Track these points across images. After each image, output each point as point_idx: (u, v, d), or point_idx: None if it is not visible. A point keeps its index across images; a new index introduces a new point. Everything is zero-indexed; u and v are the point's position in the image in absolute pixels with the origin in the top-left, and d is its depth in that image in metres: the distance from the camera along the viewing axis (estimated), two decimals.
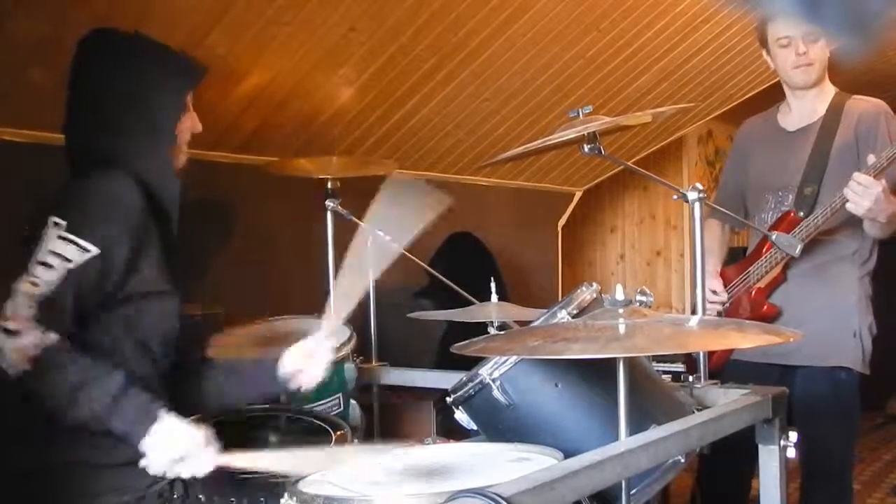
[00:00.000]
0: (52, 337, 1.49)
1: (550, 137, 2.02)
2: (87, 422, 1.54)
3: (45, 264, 1.52)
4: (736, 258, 2.96)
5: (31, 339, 1.47)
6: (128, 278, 1.64)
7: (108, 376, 1.55)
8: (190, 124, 1.84)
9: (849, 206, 2.45)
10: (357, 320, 2.79)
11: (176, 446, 1.57)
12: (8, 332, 1.46)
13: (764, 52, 2.77)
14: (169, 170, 1.76)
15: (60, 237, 1.55)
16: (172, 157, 1.78)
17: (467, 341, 1.56)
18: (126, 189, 1.66)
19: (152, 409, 1.58)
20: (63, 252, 1.54)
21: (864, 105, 2.71)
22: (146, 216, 1.68)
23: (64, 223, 1.56)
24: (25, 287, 1.50)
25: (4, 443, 1.64)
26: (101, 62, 1.80)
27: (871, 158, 2.45)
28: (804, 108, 2.77)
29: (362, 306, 2.84)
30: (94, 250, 1.56)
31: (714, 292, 2.76)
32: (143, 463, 1.58)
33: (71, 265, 1.54)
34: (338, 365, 2.38)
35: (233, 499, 1.72)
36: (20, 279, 1.50)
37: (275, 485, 1.72)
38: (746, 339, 1.77)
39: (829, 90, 2.76)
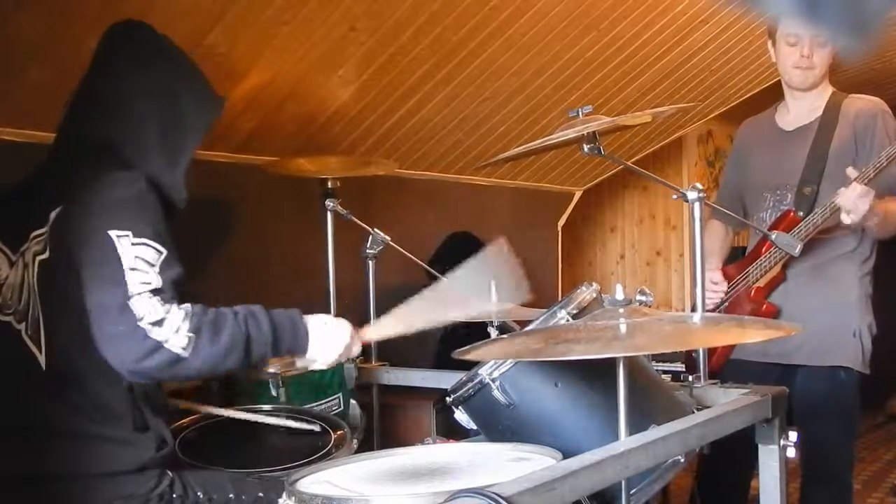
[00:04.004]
0: (192, 305, 1.54)
1: (550, 137, 2.03)
2: (257, 364, 1.64)
3: (136, 269, 1.53)
4: (736, 258, 2.96)
5: (178, 315, 1.51)
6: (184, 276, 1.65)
7: (256, 317, 1.62)
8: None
9: (842, 216, 2.46)
10: (357, 320, 2.79)
11: (335, 342, 1.72)
12: (155, 324, 1.49)
13: (769, 44, 2.78)
14: (181, 182, 1.76)
15: (134, 244, 1.55)
16: (184, 172, 1.78)
17: (468, 346, 1.57)
18: (150, 193, 1.66)
19: (297, 319, 1.69)
20: (144, 256, 1.55)
21: (861, 104, 2.71)
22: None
23: (128, 233, 1.55)
24: (136, 288, 1.51)
25: (6, 450, 1.64)
26: (139, 60, 1.78)
27: (852, 172, 2.46)
28: (802, 108, 2.77)
29: (362, 307, 2.85)
30: (164, 251, 1.58)
31: (714, 283, 2.77)
32: (301, 364, 1.74)
33: (156, 268, 1.55)
34: (338, 365, 2.38)
35: (231, 496, 1.72)
36: (123, 289, 1.50)
37: (274, 483, 1.72)
38: (748, 335, 1.78)
39: (827, 90, 2.76)
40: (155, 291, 1.52)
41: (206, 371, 1.57)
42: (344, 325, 1.78)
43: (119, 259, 1.53)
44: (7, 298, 1.69)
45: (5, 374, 1.68)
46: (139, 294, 1.51)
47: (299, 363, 1.79)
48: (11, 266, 1.71)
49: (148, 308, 1.50)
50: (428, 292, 1.85)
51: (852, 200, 2.41)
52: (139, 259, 1.54)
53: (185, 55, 1.84)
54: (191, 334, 1.51)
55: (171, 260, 1.58)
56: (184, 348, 1.50)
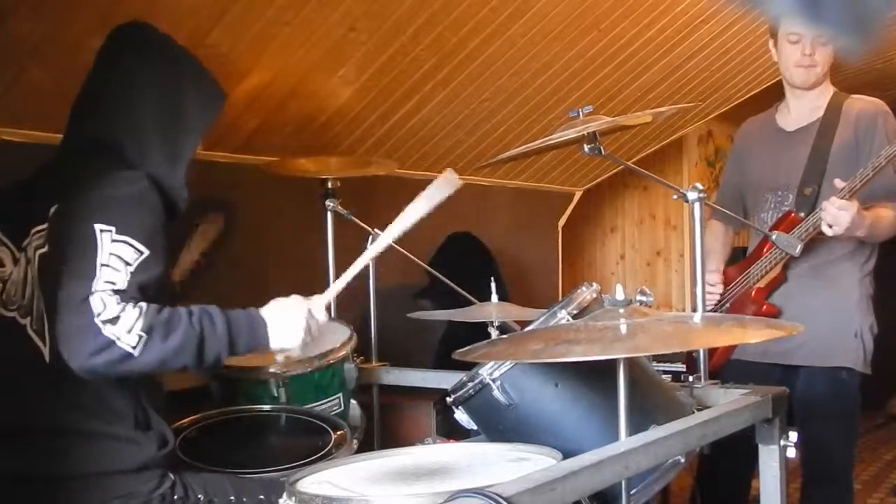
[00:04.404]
0: (147, 305, 1.54)
1: (550, 137, 2.03)
2: (214, 365, 1.65)
3: (108, 266, 1.54)
4: (736, 258, 2.96)
5: (131, 315, 1.52)
6: (165, 277, 1.66)
7: (212, 316, 1.62)
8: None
9: (824, 227, 2.47)
10: (357, 320, 2.80)
11: (293, 317, 1.72)
12: (108, 321, 1.50)
13: (770, 43, 2.78)
14: (182, 182, 1.77)
15: (115, 241, 1.56)
16: (185, 170, 1.79)
17: (469, 347, 1.57)
18: (152, 192, 1.67)
19: (253, 315, 1.69)
20: (121, 254, 1.56)
21: (862, 105, 2.71)
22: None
23: (112, 228, 1.57)
24: (100, 286, 1.52)
25: (9, 448, 1.64)
26: (143, 60, 1.80)
27: (839, 183, 2.47)
28: (803, 108, 2.77)
29: (363, 306, 2.86)
30: (146, 251, 1.58)
31: (710, 284, 2.76)
32: (280, 357, 1.74)
33: (132, 267, 1.56)
34: (338, 365, 2.38)
35: (232, 497, 1.72)
36: (90, 283, 1.52)
37: (274, 484, 1.72)
38: (749, 334, 1.77)
39: (829, 90, 2.76)
40: (117, 291, 1.53)
41: (155, 369, 1.58)
42: (296, 301, 1.76)
43: (96, 253, 1.55)
44: (12, 294, 1.71)
45: (12, 370, 1.69)
46: (101, 291, 1.52)
47: (279, 357, 1.79)
48: (16, 262, 1.72)
49: (105, 304, 1.51)
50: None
51: (832, 214, 2.43)
52: (114, 256, 1.55)
53: (190, 54, 1.85)
54: (142, 333, 1.52)
55: (151, 261, 1.59)
56: (133, 347, 1.51)
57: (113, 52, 1.82)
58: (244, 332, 1.67)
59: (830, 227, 2.45)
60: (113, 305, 1.51)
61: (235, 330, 1.65)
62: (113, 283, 1.53)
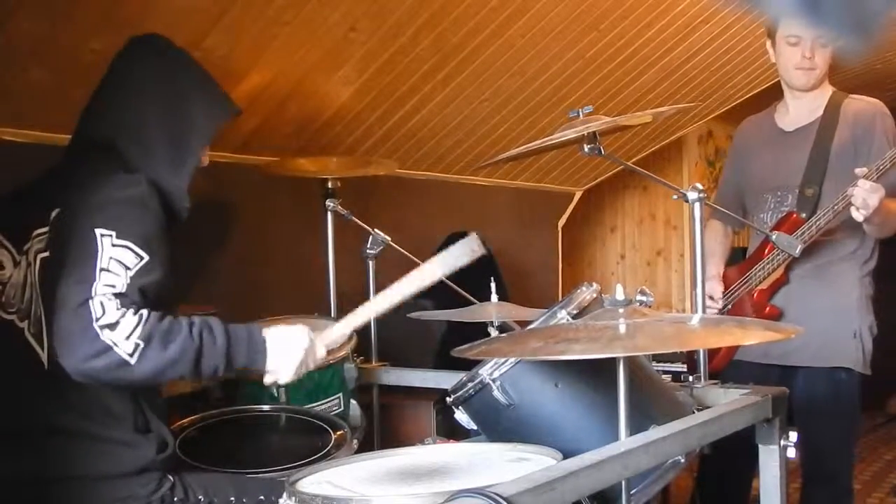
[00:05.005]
0: (148, 312, 1.54)
1: (550, 137, 2.02)
2: (211, 376, 1.66)
3: (107, 270, 1.54)
4: (736, 259, 2.96)
5: (131, 321, 1.51)
6: (166, 282, 1.66)
7: (212, 329, 1.62)
8: (203, 156, 1.86)
9: (853, 211, 2.45)
10: None
11: (293, 349, 1.71)
12: (107, 326, 1.49)
13: (768, 44, 2.77)
14: (184, 190, 1.77)
15: (115, 245, 1.56)
16: (189, 177, 1.79)
17: (468, 345, 1.56)
18: (152, 196, 1.67)
19: (255, 333, 1.68)
20: (121, 259, 1.56)
21: (860, 105, 2.71)
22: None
23: (112, 233, 1.56)
24: (100, 289, 1.52)
25: (7, 451, 1.64)
26: (152, 68, 1.81)
27: (860, 171, 2.46)
28: (802, 109, 2.76)
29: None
30: (146, 256, 1.58)
31: (711, 297, 2.75)
32: (269, 380, 1.72)
33: (131, 272, 1.56)
34: (338, 365, 2.38)
35: (232, 498, 1.72)
36: (89, 287, 1.51)
37: (275, 484, 1.72)
38: (747, 336, 1.77)
39: (827, 90, 2.75)
40: (117, 294, 1.53)
41: (150, 378, 1.57)
42: (302, 332, 1.75)
43: (96, 257, 1.54)
44: (11, 297, 1.71)
45: (8, 373, 1.69)
46: (102, 295, 1.52)
47: (267, 380, 1.76)
48: (16, 265, 1.72)
49: (105, 309, 1.51)
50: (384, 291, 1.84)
51: (862, 197, 2.40)
52: (114, 261, 1.55)
53: (200, 66, 1.86)
54: (139, 341, 1.51)
55: (151, 266, 1.58)
56: (130, 354, 1.51)
57: (125, 61, 1.83)
58: (242, 351, 1.66)
59: (859, 209, 2.42)
60: (112, 310, 1.51)
61: (234, 347, 1.64)
62: (112, 287, 1.53)
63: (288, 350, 1.72)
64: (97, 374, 1.51)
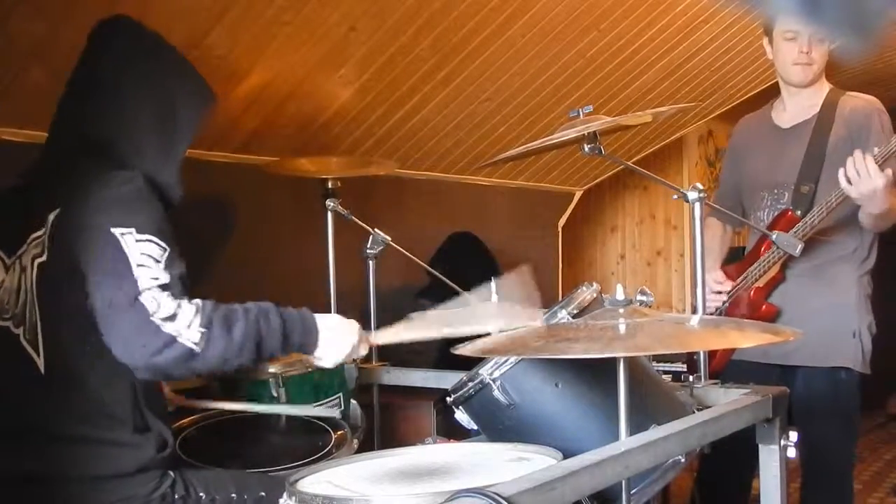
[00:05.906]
0: (201, 300, 1.53)
1: (551, 137, 2.02)
2: (265, 360, 1.69)
3: (143, 265, 1.53)
4: (735, 258, 2.96)
5: (189, 310, 1.51)
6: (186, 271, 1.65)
7: (266, 313, 1.62)
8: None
9: (843, 184, 2.42)
10: (357, 320, 2.79)
11: (344, 341, 1.74)
12: (167, 319, 1.49)
13: (765, 41, 2.77)
14: (175, 179, 1.75)
15: (139, 241, 1.54)
16: (179, 168, 1.77)
17: (468, 342, 1.57)
18: (150, 189, 1.66)
19: (308, 317, 1.69)
20: (150, 253, 1.54)
21: (857, 102, 2.71)
22: None
23: (132, 230, 1.55)
24: (145, 283, 1.50)
25: (6, 452, 1.63)
26: (131, 58, 1.77)
27: (876, 150, 2.42)
28: (799, 106, 2.76)
29: (363, 306, 2.85)
30: (168, 247, 1.57)
31: (718, 283, 2.75)
32: (319, 363, 1.74)
33: (161, 264, 1.54)
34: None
35: (233, 494, 1.72)
36: (134, 285, 1.50)
37: (276, 482, 1.72)
38: (746, 338, 1.77)
39: (824, 87, 2.75)
40: (164, 287, 1.51)
41: (218, 366, 1.56)
42: (353, 326, 1.79)
43: (125, 256, 1.52)
44: (4, 303, 1.68)
45: (5, 379, 1.67)
46: (149, 289, 1.50)
47: (305, 361, 1.80)
48: (7, 270, 1.69)
49: (159, 303, 1.49)
50: (443, 309, 1.86)
51: (863, 173, 2.36)
52: (145, 255, 1.53)
53: (175, 50, 1.82)
54: (203, 329, 1.51)
55: (174, 257, 1.57)
56: (196, 343, 1.50)
57: (97, 49, 1.78)
58: (297, 332, 1.67)
59: (850, 182, 2.38)
60: (167, 303, 1.50)
61: (290, 328, 1.65)
62: (157, 279, 1.51)
63: (339, 341, 1.74)
64: (167, 367, 1.50)
